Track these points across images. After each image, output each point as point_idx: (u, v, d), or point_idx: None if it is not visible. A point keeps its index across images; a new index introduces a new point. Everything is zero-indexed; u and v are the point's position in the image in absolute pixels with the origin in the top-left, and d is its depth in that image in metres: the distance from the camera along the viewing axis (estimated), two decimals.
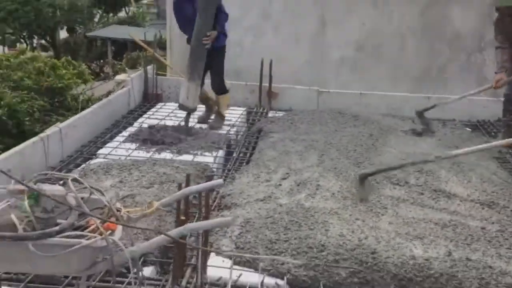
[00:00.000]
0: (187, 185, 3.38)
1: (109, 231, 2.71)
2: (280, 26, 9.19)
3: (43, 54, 22.78)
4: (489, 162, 5.63)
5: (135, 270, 2.94)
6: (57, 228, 2.55)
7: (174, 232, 2.73)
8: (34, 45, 24.36)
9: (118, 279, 3.27)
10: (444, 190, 4.79)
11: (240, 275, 3.50)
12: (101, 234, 2.65)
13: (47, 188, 2.80)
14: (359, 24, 9.16)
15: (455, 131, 6.64)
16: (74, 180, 2.93)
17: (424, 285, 3.46)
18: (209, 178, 3.46)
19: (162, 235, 2.77)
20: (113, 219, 2.85)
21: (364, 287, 3.48)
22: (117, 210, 2.91)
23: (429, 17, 9.06)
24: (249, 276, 3.50)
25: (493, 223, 4.21)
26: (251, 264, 3.60)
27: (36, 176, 2.89)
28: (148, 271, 3.56)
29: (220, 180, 3.30)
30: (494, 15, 6.38)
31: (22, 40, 22.37)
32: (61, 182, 3.06)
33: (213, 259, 3.66)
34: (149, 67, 7.71)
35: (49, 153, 5.06)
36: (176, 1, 6.37)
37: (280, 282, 3.47)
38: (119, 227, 2.79)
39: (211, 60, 6.33)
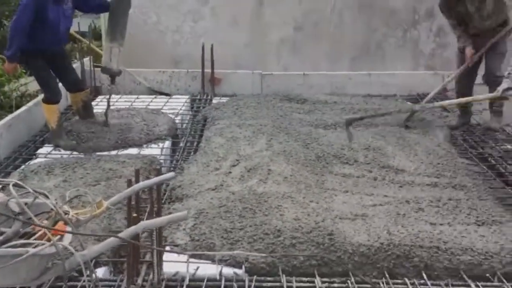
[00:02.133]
0: (137, 180, 3.26)
1: (58, 237, 2.59)
2: (217, 9, 9.03)
3: None
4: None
5: (88, 273, 2.82)
6: (0, 238, 2.40)
7: (128, 231, 2.63)
8: None
9: (70, 283, 3.14)
10: (392, 165, 4.86)
11: (197, 268, 3.42)
12: (49, 240, 2.52)
13: None
14: (296, 2, 9.11)
15: (397, 104, 6.75)
16: (15, 184, 2.77)
17: (381, 262, 3.48)
18: (158, 171, 3.34)
19: (119, 235, 2.67)
20: (61, 223, 2.72)
21: (322, 268, 3.47)
22: (65, 213, 2.78)
23: None
24: (207, 268, 3.43)
25: (440, 196, 4.30)
26: (208, 256, 3.53)
27: None
28: (101, 272, 3.43)
29: (172, 173, 3.21)
30: None
31: None
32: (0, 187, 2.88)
33: (169, 254, 3.56)
34: (86, 59, 7.43)
35: None
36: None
37: (238, 271, 3.43)
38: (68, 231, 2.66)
39: None
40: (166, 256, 3.48)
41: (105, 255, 3.52)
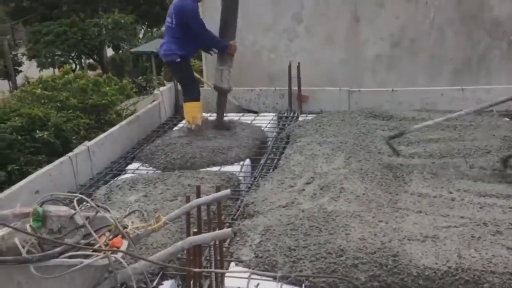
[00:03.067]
0: (198, 196, 3.39)
1: (113, 249, 2.75)
2: (312, 28, 9.12)
3: (91, 72, 23.54)
4: None
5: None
6: (59, 249, 2.60)
7: (176, 246, 2.75)
8: (83, 64, 25.17)
9: None
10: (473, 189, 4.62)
11: (258, 284, 3.47)
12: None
13: (53, 209, 2.87)
14: (393, 18, 8.98)
15: (492, 121, 6.38)
16: (81, 199, 2.99)
17: (447, 287, 3.33)
18: (218, 188, 3.45)
19: (166, 251, 2.80)
20: (119, 237, 2.89)
21: None
22: (124, 227, 2.95)
23: (466, 6, 8.77)
24: (267, 285, 3.47)
25: None
26: (270, 272, 3.57)
27: (43, 198, 2.97)
28: (168, 284, 3.58)
29: (227, 191, 3.29)
30: None
31: (71, 61, 23.17)
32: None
33: (232, 268, 3.65)
34: None
35: (77, 171, 5.19)
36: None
37: None
38: (124, 244, 2.82)
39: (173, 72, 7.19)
40: (229, 270, 3.58)
41: (172, 268, 3.68)
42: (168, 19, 6.44)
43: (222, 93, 6.71)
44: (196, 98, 6.63)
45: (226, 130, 6.65)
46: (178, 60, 6.40)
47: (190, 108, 6.59)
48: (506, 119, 6.52)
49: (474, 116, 6.55)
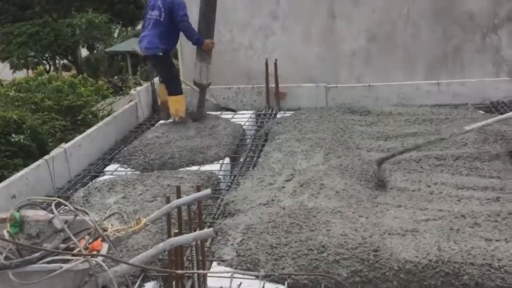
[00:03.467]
0: (178, 197, 3.37)
1: (93, 253, 2.72)
2: (288, 25, 9.12)
3: (66, 73, 23.23)
4: None
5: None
6: (37, 254, 2.56)
7: (157, 248, 2.73)
8: (57, 65, 24.82)
9: None
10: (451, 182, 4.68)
11: (240, 283, 3.47)
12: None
13: (31, 213, 2.82)
14: (369, 13, 9.01)
15: (467, 114, 6.47)
16: (59, 203, 2.95)
17: (428, 280, 3.37)
18: (198, 188, 3.43)
19: (147, 253, 2.77)
20: (99, 240, 2.86)
21: (366, 286, 3.41)
22: (104, 230, 2.92)
23: (440, 1, 8.85)
24: (250, 284, 3.46)
25: (500, 210, 4.08)
26: (252, 271, 3.57)
27: (20, 203, 2.92)
28: (150, 286, 3.55)
29: (208, 190, 3.28)
30: None
31: (44, 62, 22.83)
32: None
33: (214, 268, 3.64)
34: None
35: (55, 174, 5.12)
36: None
37: (281, 287, 3.44)
38: (105, 247, 2.79)
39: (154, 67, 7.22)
40: (212, 270, 3.57)
41: (154, 270, 3.65)
42: (155, 12, 6.52)
43: (201, 88, 6.92)
44: (179, 91, 6.84)
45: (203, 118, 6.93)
46: (161, 54, 6.51)
47: (174, 101, 6.77)
48: (481, 112, 6.61)
49: (450, 110, 6.64)
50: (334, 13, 9.04)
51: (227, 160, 5.73)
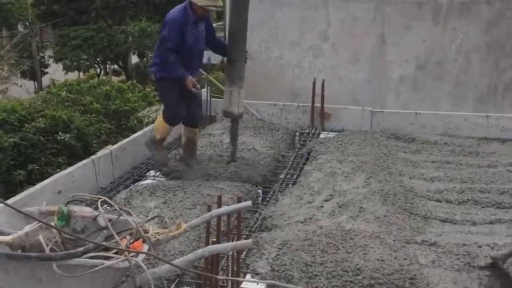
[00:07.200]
0: (219, 206, 3.41)
1: (133, 253, 2.78)
2: (338, 46, 9.17)
3: (116, 78, 23.77)
4: None
5: None
6: (81, 249, 2.63)
7: (196, 254, 2.76)
8: (108, 70, 25.43)
9: None
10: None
11: None
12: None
13: (77, 209, 2.90)
14: (419, 40, 8.99)
15: None
16: (104, 202, 3.02)
17: None
18: (239, 199, 3.46)
19: (185, 257, 2.81)
20: (139, 241, 2.91)
21: None
22: (145, 232, 2.98)
23: (494, 33, 8.75)
24: None
25: None
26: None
27: (67, 198, 3.01)
28: None
29: (249, 202, 3.31)
30: None
31: (96, 66, 23.45)
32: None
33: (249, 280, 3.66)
34: (203, 90, 7.85)
35: (99, 174, 5.24)
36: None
37: None
38: (145, 249, 2.85)
39: None
40: (245, 283, 3.58)
41: (189, 276, 3.69)
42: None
43: (232, 119, 5.83)
44: (169, 121, 5.74)
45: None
46: (158, 77, 5.63)
47: (159, 123, 5.84)
48: None
49: (498, 144, 6.51)
50: (384, 38, 9.08)
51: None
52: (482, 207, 4.75)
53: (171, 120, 5.75)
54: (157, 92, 6.80)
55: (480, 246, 3.99)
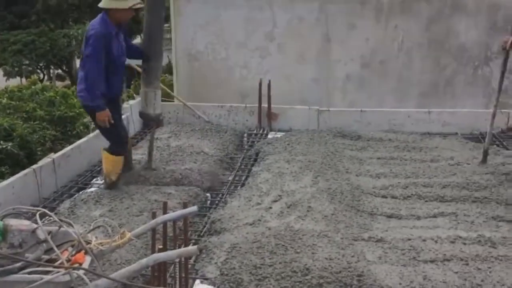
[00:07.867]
0: (164, 212, 3.36)
1: (75, 264, 2.70)
2: (284, 46, 9.21)
3: (60, 83, 23.20)
4: None
5: None
6: (18, 264, 2.54)
7: (140, 264, 2.71)
8: (51, 75, 24.82)
9: None
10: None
11: None
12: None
13: (14, 222, 2.80)
14: (363, 39, 9.13)
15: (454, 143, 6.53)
16: (43, 214, 2.93)
17: None
18: (185, 204, 3.42)
19: (129, 268, 2.75)
20: (82, 252, 2.83)
21: None
22: (87, 243, 2.90)
23: (434, 31, 8.98)
24: None
25: None
26: None
27: (4, 211, 2.89)
28: None
29: (194, 207, 3.27)
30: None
31: (39, 71, 22.85)
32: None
33: (197, 286, 3.62)
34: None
35: (41, 184, 5.08)
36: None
37: None
38: (87, 260, 2.77)
39: None
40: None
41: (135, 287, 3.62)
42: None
43: (149, 121, 5.59)
44: (119, 151, 5.18)
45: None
46: (88, 106, 5.00)
47: (109, 162, 5.19)
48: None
49: (440, 139, 6.67)
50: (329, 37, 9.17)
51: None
52: (426, 201, 4.86)
53: (120, 149, 5.19)
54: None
55: (424, 240, 4.08)
